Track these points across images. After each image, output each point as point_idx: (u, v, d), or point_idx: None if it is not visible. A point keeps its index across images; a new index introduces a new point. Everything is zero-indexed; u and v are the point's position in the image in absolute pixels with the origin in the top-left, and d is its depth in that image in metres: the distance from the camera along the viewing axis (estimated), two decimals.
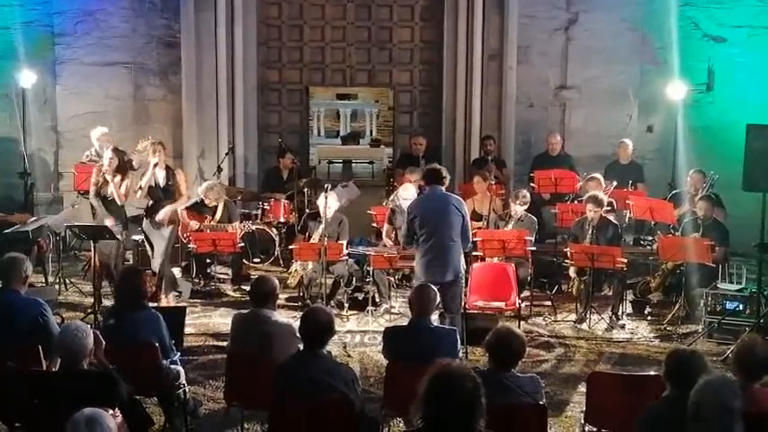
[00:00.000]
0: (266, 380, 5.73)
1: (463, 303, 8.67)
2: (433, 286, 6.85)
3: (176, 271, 10.83)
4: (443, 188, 8.41)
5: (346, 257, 10.12)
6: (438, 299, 6.82)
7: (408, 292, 8.15)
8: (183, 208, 10.60)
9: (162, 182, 10.08)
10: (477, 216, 10.97)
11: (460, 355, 7.01)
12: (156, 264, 10.08)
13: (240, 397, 6.37)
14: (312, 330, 5.63)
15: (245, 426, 6.69)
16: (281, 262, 11.80)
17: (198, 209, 11.12)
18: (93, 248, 9.66)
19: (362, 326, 9.69)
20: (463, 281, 8.50)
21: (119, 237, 9.97)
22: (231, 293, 10.87)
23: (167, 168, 10.20)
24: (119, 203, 10.10)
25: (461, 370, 4.05)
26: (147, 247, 10.25)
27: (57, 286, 10.67)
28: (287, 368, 5.63)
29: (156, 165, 10.01)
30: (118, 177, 10.04)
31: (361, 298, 10.42)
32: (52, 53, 13.34)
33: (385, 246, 10.31)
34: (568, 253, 9.79)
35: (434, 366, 4.04)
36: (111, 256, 9.93)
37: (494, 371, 5.33)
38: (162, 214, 10.04)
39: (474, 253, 9.88)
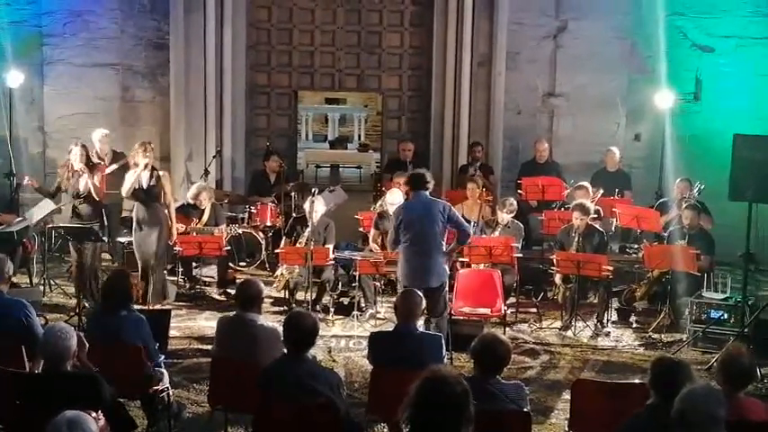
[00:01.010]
0: (251, 383, 5.72)
1: (449, 309, 8.68)
2: (418, 292, 6.85)
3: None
4: (428, 193, 8.43)
5: (332, 262, 10.10)
6: (424, 304, 6.82)
7: (394, 297, 8.14)
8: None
9: (145, 183, 9.95)
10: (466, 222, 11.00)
11: (445, 360, 6.99)
12: (140, 267, 10.04)
13: (224, 401, 6.35)
14: (296, 334, 5.62)
15: (229, 429, 6.66)
16: (267, 266, 11.77)
17: (184, 211, 11.10)
18: (75, 250, 9.68)
19: (348, 331, 9.68)
20: (447, 285, 8.50)
21: (104, 239, 9.92)
22: (216, 297, 10.84)
23: (152, 169, 10.08)
24: (97, 199, 10.05)
25: (452, 375, 4.04)
26: (137, 254, 10.18)
27: (41, 287, 10.61)
28: (271, 371, 5.62)
29: (146, 165, 9.94)
30: (87, 173, 10.00)
31: (346, 303, 10.42)
32: (40, 53, 13.30)
33: (371, 251, 10.31)
34: (554, 260, 9.80)
35: (426, 371, 4.04)
36: (88, 257, 9.88)
37: (479, 377, 5.33)
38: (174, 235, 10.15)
39: (460, 259, 9.89)
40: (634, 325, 10.08)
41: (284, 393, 5.43)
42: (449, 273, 8.65)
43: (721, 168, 9.25)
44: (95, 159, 10.86)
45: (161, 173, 10.20)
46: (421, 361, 5.18)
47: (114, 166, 11.31)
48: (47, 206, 10.90)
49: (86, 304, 9.46)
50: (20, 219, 10.99)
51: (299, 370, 5.51)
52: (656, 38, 12.92)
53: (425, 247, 8.18)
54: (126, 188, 9.97)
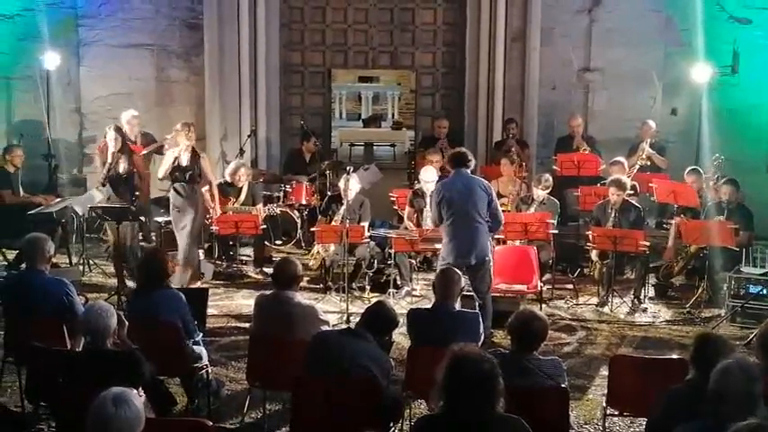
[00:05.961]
0: (288, 361, 5.75)
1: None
2: (456, 270, 6.85)
3: (200, 253, 10.84)
4: (469, 171, 8.43)
5: (368, 240, 10.11)
6: (462, 282, 6.82)
7: (430, 274, 8.14)
8: (207, 189, 10.50)
9: (186, 164, 9.98)
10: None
11: (482, 338, 6.97)
12: (180, 247, 10.08)
13: (262, 378, 6.40)
14: (375, 319, 5.74)
15: (267, 406, 6.72)
16: (303, 244, 11.82)
17: (222, 190, 11.15)
18: (113, 230, 9.77)
19: None
20: (491, 262, 8.49)
21: (141, 218, 9.97)
22: (253, 275, 10.91)
23: (192, 151, 10.10)
24: (141, 173, 10.14)
25: (477, 353, 4.09)
26: (176, 232, 10.25)
27: (80, 267, 10.72)
28: (331, 340, 5.69)
29: (187, 147, 9.94)
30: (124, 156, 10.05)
31: (382, 281, 10.43)
32: (76, 35, 13.39)
33: (406, 228, 10.30)
34: (591, 236, 9.76)
35: (451, 351, 4.08)
36: (127, 237, 9.95)
37: (516, 353, 5.35)
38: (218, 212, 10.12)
39: (496, 236, 9.88)
40: (671, 301, 10.03)
41: (338, 363, 5.46)
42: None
43: (759, 142, 9.17)
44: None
45: (202, 155, 10.23)
46: (457, 339, 5.18)
47: (152, 147, 11.41)
48: (92, 197, 10.95)
49: (129, 283, 9.54)
50: (58, 200, 11.10)
51: (361, 347, 5.54)
52: (692, 10, 12.73)
53: (468, 223, 8.19)
54: (163, 169, 10.01)
